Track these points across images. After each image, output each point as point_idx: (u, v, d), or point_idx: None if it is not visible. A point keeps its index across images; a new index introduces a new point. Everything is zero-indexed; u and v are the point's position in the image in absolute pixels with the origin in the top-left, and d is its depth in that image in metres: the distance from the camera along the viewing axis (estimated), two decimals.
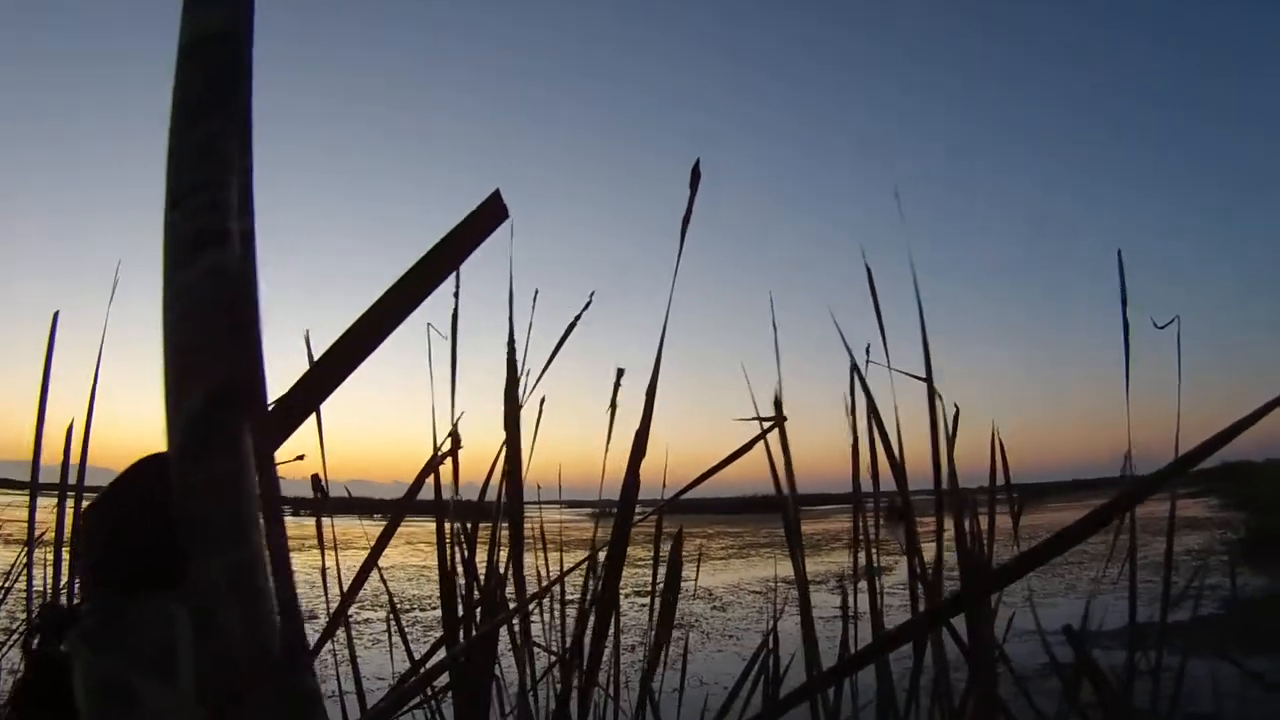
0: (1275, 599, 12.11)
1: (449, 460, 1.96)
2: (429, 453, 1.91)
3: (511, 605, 1.82)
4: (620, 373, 2.01)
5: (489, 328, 1.86)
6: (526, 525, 1.78)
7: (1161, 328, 1.93)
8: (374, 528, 1.80)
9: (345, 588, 1.67)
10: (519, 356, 1.80)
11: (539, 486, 2.67)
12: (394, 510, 1.81)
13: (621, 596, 1.67)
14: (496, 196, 0.79)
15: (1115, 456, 2.07)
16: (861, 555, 2.12)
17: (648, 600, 2.21)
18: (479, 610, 1.87)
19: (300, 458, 1.96)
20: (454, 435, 1.94)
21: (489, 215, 0.79)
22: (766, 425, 1.87)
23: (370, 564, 1.68)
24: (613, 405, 2.03)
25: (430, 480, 1.93)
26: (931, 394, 1.88)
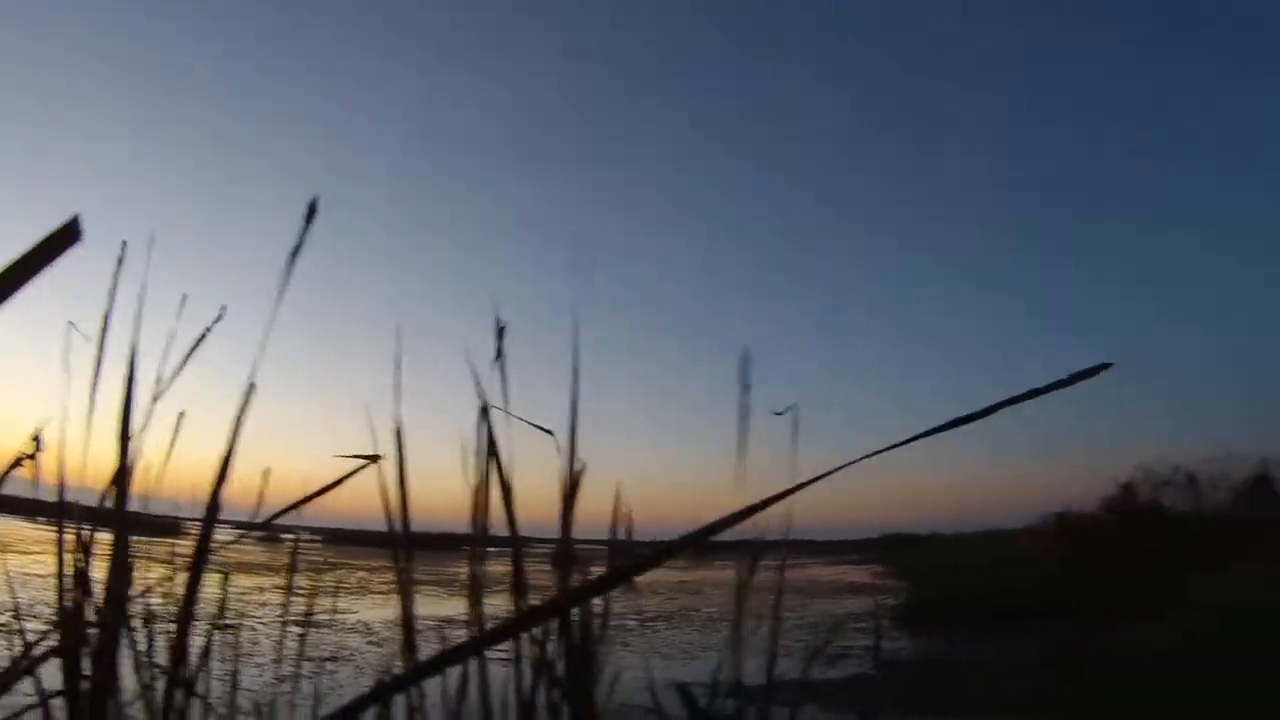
0: (926, 663, 13.09)
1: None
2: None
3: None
4: (252, 389, 1.91)
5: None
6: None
7: (780, 414, 2.02)
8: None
9: None
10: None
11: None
12: None
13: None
14: (74, 222, 0.80)
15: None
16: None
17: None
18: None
19: None
20: (36, 438, 1.93)
21: (62, 239, 0.80)
22: (364, 462, 1.85)
23: None
24: (238, 421, 1.92)
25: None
26: (572, 447, 1.89)
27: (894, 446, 0.62)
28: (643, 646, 14.82)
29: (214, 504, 1.55)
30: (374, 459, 1.93)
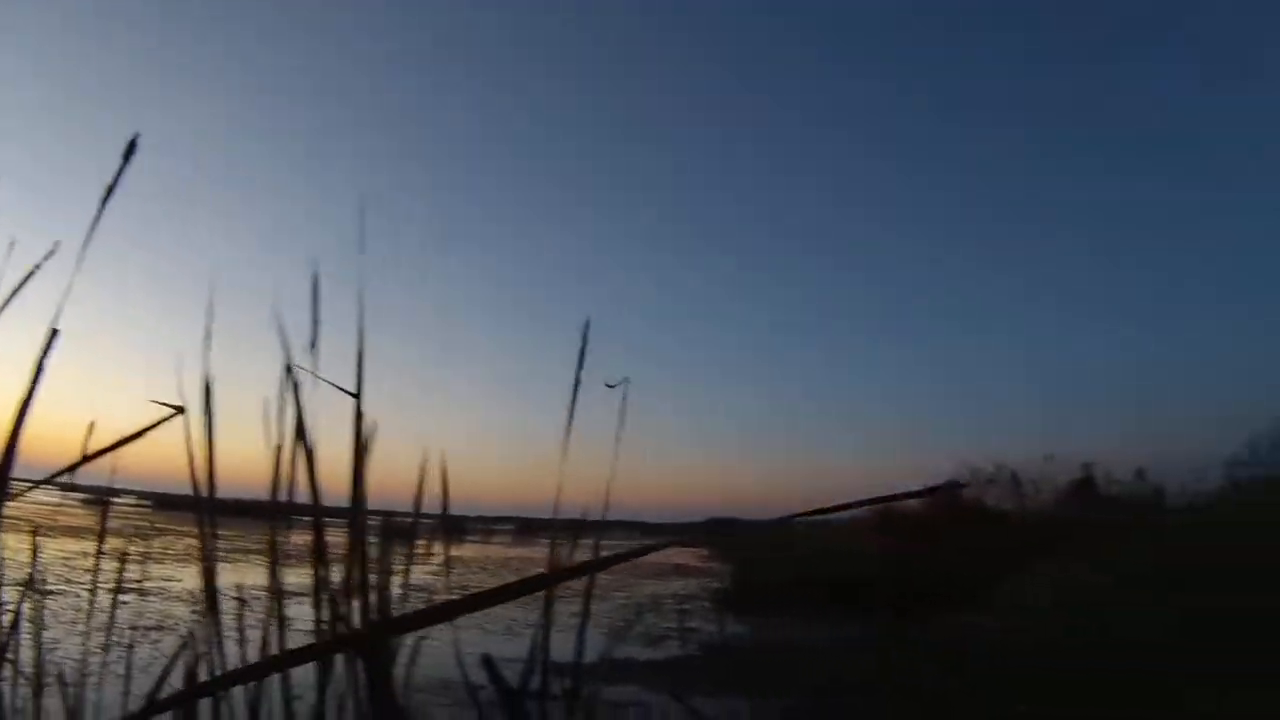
0: (745, 645, 13.37)
1: None
2: None
3: None
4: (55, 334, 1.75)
5: None
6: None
7: (611, 387, 1.98)
8: None
9: None
10: None
11: None
12: None
13: None
14: None
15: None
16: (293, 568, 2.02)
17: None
18: None
19: None
20: None
21: None
22: (168, 414, 1.73)
23: None
24: (39, 367, 1.77)
25: None
26: (358, 408, 1.80)
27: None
28: (466, 622, 14.69)
29: (8, 456, 1.41)
30: (178, 410, 1.81)
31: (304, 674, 1.81)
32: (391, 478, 2.14)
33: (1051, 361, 75.84)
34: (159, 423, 1.69)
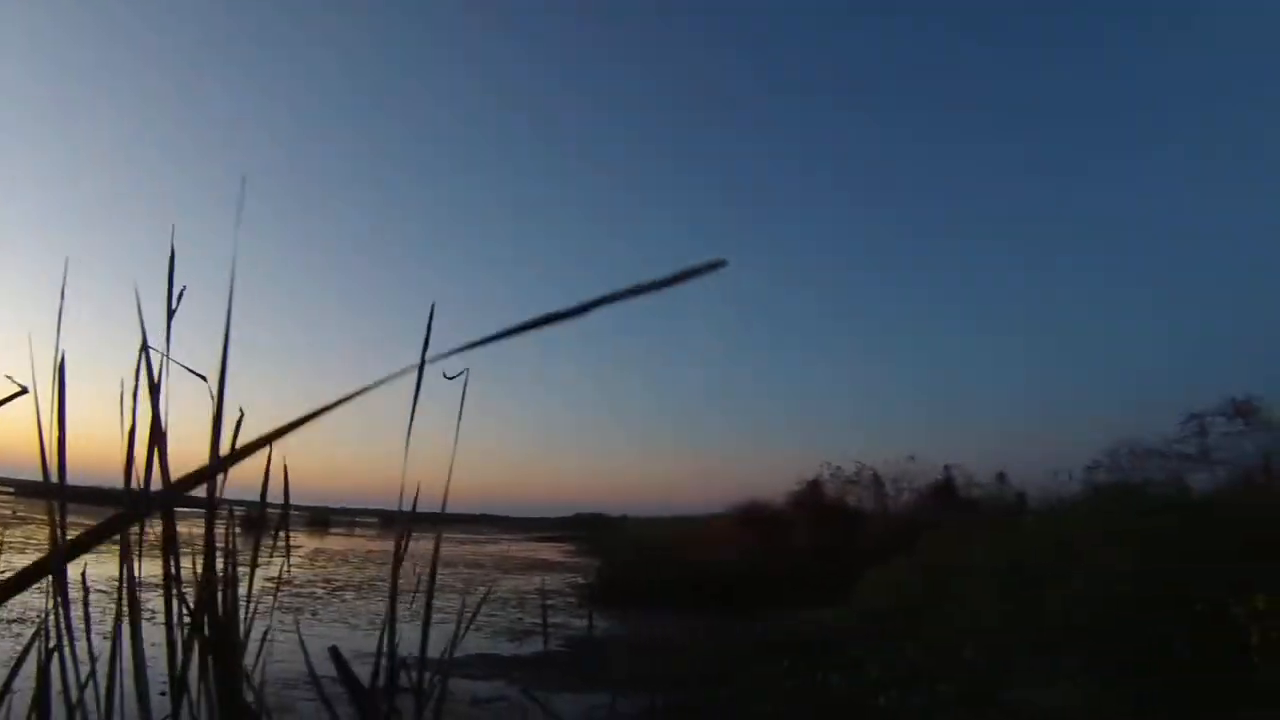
0: (608, 641, 13.43)
1: None
2: None
3: None
4: None
5: None
6: None
7: (451, 379, 1.97)
8: None
9: None
10: None
11: None
12: None
13: None
14: None
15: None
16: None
17: None
18: None
19: None
20: None
21: None
22: (14, 392, 1.64)
23: None
24: None
25: None
26: (221, 394, 1.74)
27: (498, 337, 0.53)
28: (330, 615, 14.47)
29: None
30: (22, 390, 1.73)
31: (158, 668, 1.77)
32: (257, 469, 2.08)
33: (923, 369, 78.09)
34: (3, 401, 1.61)
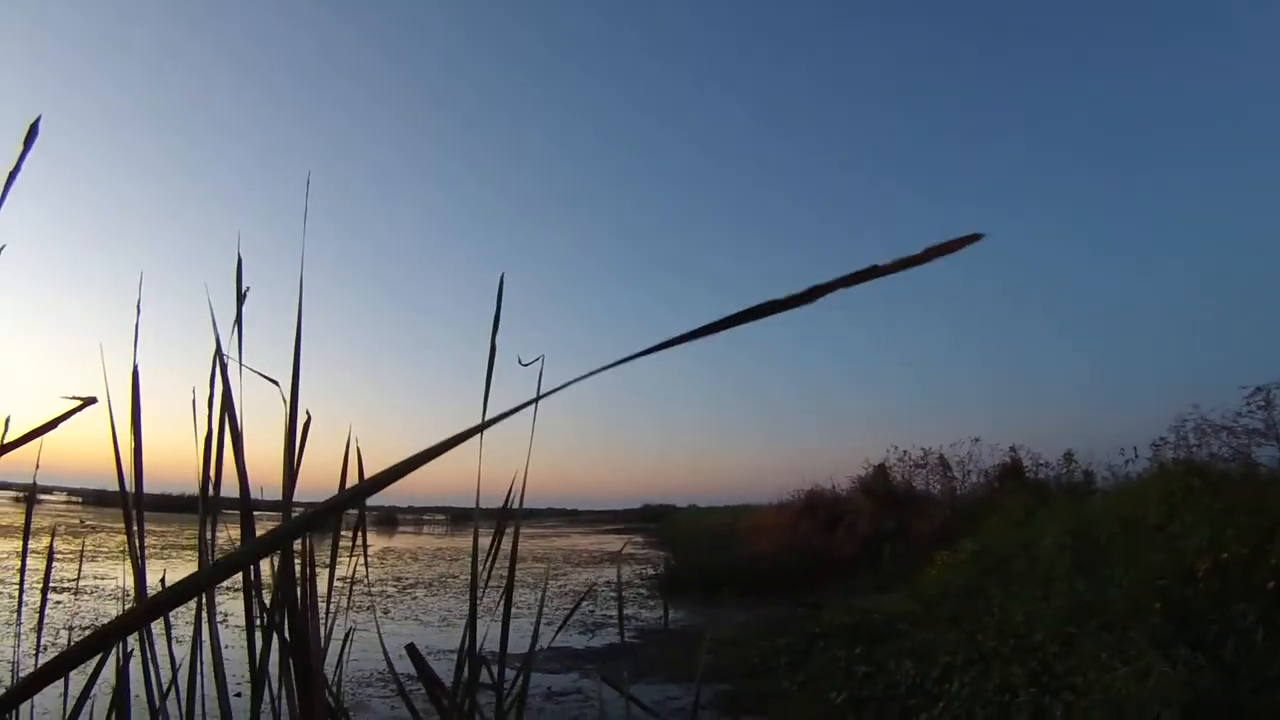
0: (679, 631, 13.46)
1: None
2: None
3: None
4: None
5: None
6: None
7: (525, 365, 1.95)
8: None
9: None
10: None
11: None
12: None
13: None
14: None
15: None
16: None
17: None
18: None
19: None
20: None
21: None
22: (80, 404, 1.68)
23: None
24: None
25: None
26: (295, 399, 1.77)
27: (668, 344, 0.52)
28: (401, 613, 14.64)
29: None
30: (90, 401, 1.76)
31: (239, 668, 1.82)
32: (323, 468, 2.11)
33: (989, 351, 76.83)
34: (69, 413, 1.65)
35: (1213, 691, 5.34)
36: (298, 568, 1.69)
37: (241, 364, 1.83)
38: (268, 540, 0.58)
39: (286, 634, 1.68)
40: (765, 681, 9.18)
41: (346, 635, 2.13)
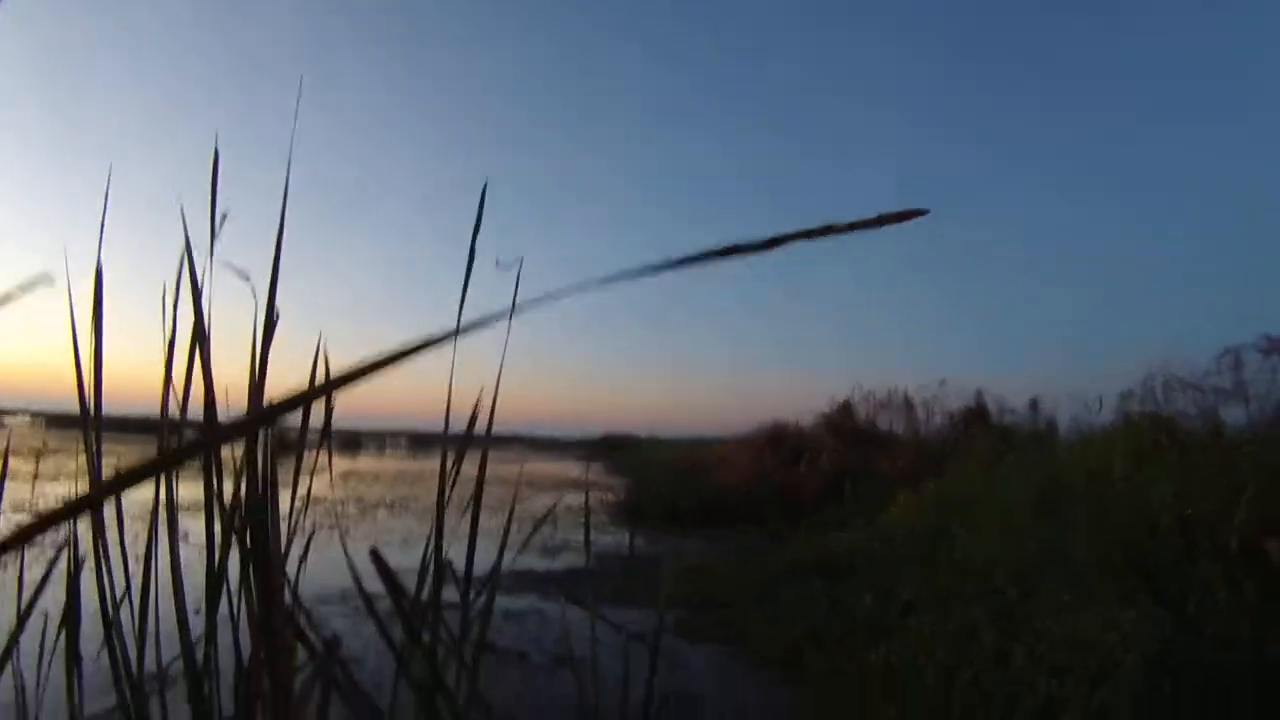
0: (639, 559, 13.56)
1: None
2: None
3: None
4: None
5: None
6: None
7: (504, 266, 1.84)
8: None
9: None
10: None
11: None
12: None
13: None
14: None
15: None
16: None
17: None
18: None
19: None
20: None
21: None
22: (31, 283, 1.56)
23: None
24: None
25: None
26: (272, 303, 1.66)
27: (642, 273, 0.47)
28: (362, 534, 14.65)
29: None
30: (46, 278, 1.64)
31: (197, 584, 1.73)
32: (283, 386, 2.00)
33: (960, 296, 77.37)
34: (21, 289, 1.53)
35: (1175, 644, 5.38)
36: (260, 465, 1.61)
37: (213, 259, 1.70)
38: (232, 425, 0.50)
39: (248, 541, 1.62)
40: (729, 611, 9.24)
41: (308, 540, 2.05)
